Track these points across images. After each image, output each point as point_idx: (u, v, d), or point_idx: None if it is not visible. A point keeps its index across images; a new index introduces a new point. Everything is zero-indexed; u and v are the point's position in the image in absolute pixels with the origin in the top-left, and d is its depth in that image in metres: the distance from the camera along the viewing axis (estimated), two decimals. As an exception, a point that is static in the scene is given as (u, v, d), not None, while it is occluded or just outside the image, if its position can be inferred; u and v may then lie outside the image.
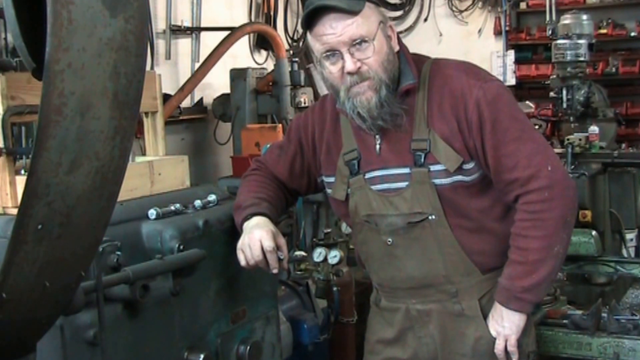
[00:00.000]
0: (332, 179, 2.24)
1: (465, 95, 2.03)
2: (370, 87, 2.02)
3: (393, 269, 2.20)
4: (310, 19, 2.01)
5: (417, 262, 2.15)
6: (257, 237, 2.08)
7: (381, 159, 2.13)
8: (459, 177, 2.06)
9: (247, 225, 2.14)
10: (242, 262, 2.11)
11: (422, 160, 2.06)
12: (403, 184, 2.10)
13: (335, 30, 1.98)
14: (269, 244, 2.07)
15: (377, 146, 2.13)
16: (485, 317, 2.16)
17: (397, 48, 2.10)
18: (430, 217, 2.09)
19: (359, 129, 2.13)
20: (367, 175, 2.15)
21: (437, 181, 2.06)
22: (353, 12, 1.97)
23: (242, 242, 2.11)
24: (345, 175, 2.19)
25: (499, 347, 2.12)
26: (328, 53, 2.02)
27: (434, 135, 2.05)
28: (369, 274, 2.37)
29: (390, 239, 2.15)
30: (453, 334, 2.19)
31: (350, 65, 1.99)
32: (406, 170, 2.09)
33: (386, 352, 2.30)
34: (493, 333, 2.13)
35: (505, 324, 2.10)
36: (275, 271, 2.12)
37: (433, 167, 2.06)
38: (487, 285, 2.16)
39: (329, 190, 2.27)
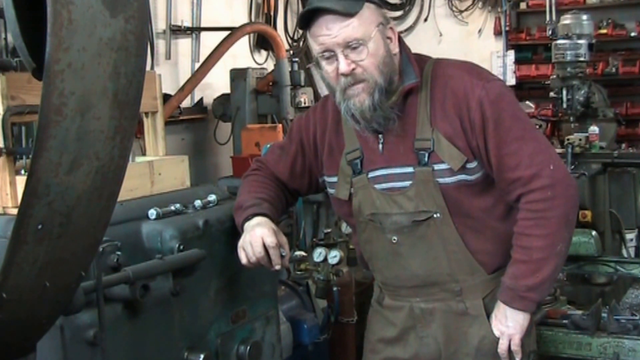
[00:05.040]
0: (334, 179, 2.24)
1: (468, 95, 2.04)
2: (364, 90, 2.02)
3: (397, 268, 2.20)
4: (308, 19, 2.02)
5: (421, 260, 2.16)
6: (258, 234, 2.09)
7: (384, 158, 2.13)
8: (463, 176, 2.07)
9: (248, 224, 2.14)
10: (244, 260, 2.11)
11: (426, 159, 2.07)
12: (407, 183, 2.11)
13: (330, 31, 1.99)
14: (271, 240, 2.08)
15: (380, 145, 2.13)
16: (488, 316, 2.16)
17: (396, 50, 2.09)
18: (435, 216, 2.09)
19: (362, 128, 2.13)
20: (370, 175, 2.16)
21: (441, 180, 2.07)
22: (349, 14, 1.98)
23: (244, 240, 2.12)
24: (348, 175, 2.19)
25: (502, 346, 2.12)
26: (324, 53, 2.03)
27: (437, 135, 2.06)
28: (372, 273, 2.37)
29: (395, 237, 2.15)
30: (456, 334, 2.19)
31: (344, 66, 2.00)
32: (410, 170, 2.10)
33: (387, 351, 2.30)
34: (496, 333, 2.13)
35: (510, 324, 2.10)
36: (277, 267, 2.12)
37: (437, 166, 2.07)
38: (491, 284, 2.17)
39: (331, 190, 2.27)
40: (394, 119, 2.07)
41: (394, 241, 2.16)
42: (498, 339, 2.13)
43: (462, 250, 2.12)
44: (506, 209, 2.14)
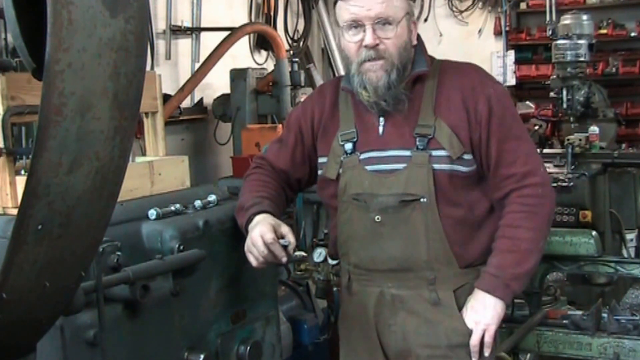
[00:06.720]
0: (324, 159, 2.28)
1: (477, 90, 2.15)
2: (382, 68, 2.11)
3: (375, 249, 2.21)
4: None
5: (401, 243, 2.17)
6: (257, 234, 2.11)
7: (382, 141, 2.18)
8: (457, 166, 2.13)
9: (250, 226, 2.17)
10: (254, 263, 2.13)
11: (425, 144, 2.13)
12: (400, 166, 2.15)
13: (364, 4, 2.07)
14: (268, 237, 2.10)
15: (381, 127, 2.19)
16: (459, 309, 2.16)
17: (415, 42, 2.20)
18: (422, 200, 2.13)
19: (362, 111, 2.19)
20: (362, 156, 2.20)
21: (437, 166, 2.12)
22: None
23: (247, 244, 2.15)
24: (338, 155, 2.23)
25: (475, 337, 2.12)
26: (352, 23, 2.11)
27: (440, 122, 2.13)
28: (343, 257, 2.32)
29: (379, 217, 2.17)
30: (425, 325, 2.18)
31: (370, 39, 2.08)
32: (407, 153, 2.15)
33: (361, 347, 2.28)
34: (471, 324, 2.13)
35: (488, 313, 2.11)
36: (284, 260, 2.14)
37: (435, 152, 2.13)
38: (462, 279, 2.19)
39: (320, 171, 2.30)
40: (404, 101, 2.14)
41: (377, 220, 2.17)
42: (469, 331, 2.12)
43: (441, 239, 2.15)
44: (489, 208, 2.21)
